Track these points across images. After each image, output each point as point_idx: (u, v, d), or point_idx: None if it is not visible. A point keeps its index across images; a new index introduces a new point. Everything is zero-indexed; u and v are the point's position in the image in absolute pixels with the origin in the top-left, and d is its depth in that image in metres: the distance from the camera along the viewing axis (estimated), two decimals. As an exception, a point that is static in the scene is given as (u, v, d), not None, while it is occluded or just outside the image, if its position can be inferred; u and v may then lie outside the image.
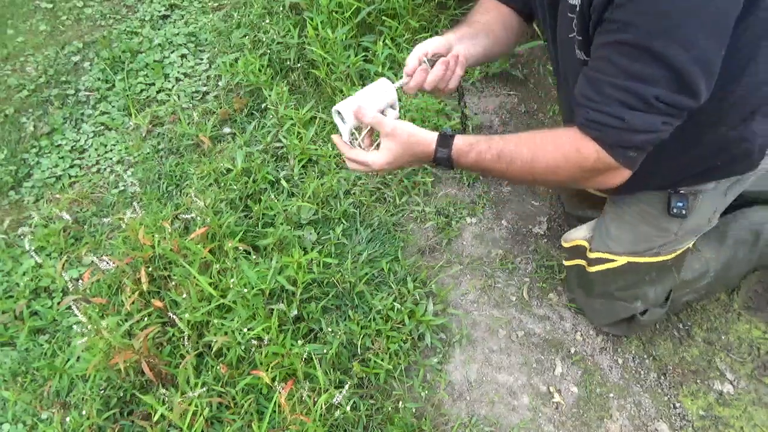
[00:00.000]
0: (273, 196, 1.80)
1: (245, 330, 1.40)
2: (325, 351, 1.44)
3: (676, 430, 1.42)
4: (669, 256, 1.35)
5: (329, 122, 2.02)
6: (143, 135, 2.21)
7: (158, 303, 1.51)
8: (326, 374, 1.40)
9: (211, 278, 1.52)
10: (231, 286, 1.47)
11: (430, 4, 2.17)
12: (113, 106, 2.36)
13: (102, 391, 1.45)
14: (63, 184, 2.11)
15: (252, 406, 1.38)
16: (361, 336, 1.50)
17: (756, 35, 0.98)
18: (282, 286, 1.51)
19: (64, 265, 1.80)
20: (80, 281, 1.64)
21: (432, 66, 1.19)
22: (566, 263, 1.57)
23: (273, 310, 1.47)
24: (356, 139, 1.16)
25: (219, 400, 1.38)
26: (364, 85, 2.07)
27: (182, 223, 1.77)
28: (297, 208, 1.74)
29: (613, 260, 1.38)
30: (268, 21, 2.35)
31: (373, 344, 1.50)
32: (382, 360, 1.46)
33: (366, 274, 1.62)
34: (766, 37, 1.01)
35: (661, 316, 1.47)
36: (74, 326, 1.50)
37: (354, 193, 1.83)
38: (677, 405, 1.46)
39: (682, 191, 1.25)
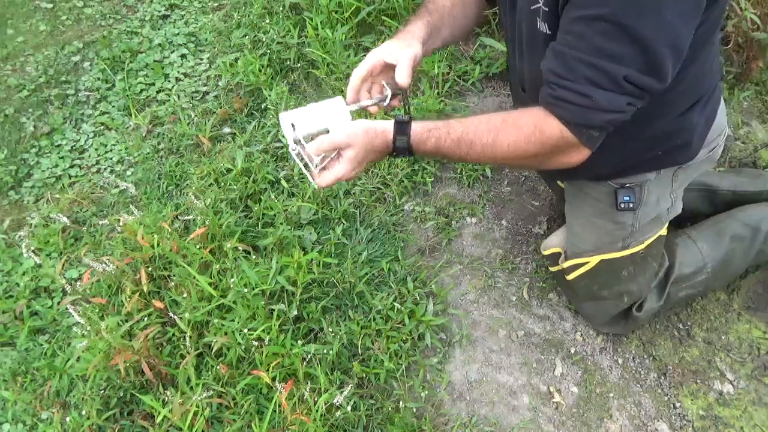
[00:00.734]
0: (273, 196, 1.80)
1: (245, 330, 1.40)
2: (325, 351, 1.44)
3: (676, 430, 1.42)
4: (639, 248, 1.37)
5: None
6: (143, 135, 2.21)
7: (158, 303, 1.51)
8: (326, 374, 1.40)
9: (211, 278, 1.52)
10: (231, 286, 1.47)
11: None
12: (113, 106, 2.36)
13: (102, 391, 1.45)
14: (63, 184, 2.11)
15: (252, 406, 1.38)
16: (362, 336, 1.50)
17: (712, 25, 0.98)
18: (282, 286, 1.51)
19: (63, 265, 1.80)
20: (80, 281, 1.64)
21: (384, 99, 1.15)
22: (551, 269, 1.59)
23: (273, 310, 1.47)
24: (301, 148, 1.10)
25: (219, 401, 1.38)
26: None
27: (182, 223, 1.77)
28: (297, 208, 1.74)
29: (585, 262, 1.40)
30: (268, 21, 2.35)
31: (373, 344, 1.50)
32: (382, 360, 1.46)
33: (366, 274, 1.62)
34: (717, 27, 1.01)
35: (657, 310, 1.48)
36: (74, 327, 1.50)
37: (354, 193, 1.83)
38: (677, 405, 1.46)
39: (627, 185, 1.26)
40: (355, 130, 1.05)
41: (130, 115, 2.28)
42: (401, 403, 1.43)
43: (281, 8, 2.37)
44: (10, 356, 1.65)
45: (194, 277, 1.49)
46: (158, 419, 1.31)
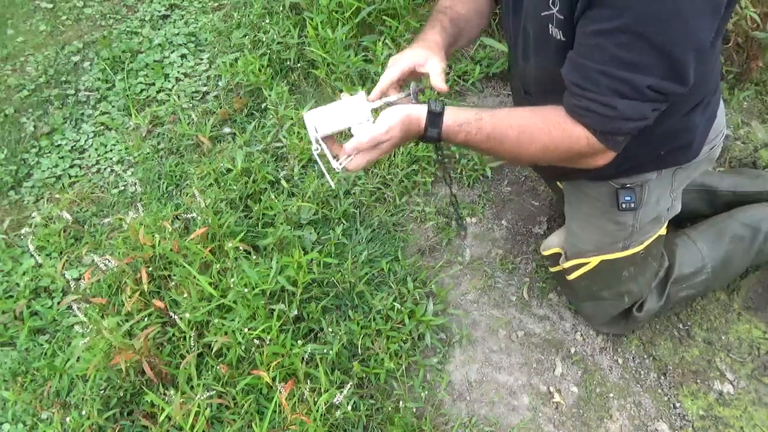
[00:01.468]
0: (273, 196, 1.80)
1: (246, 330, 1.40)
2: (325, 351, 1.44)
3: (676, 430, 1.43)
4: (639, 248, 1.37)
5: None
6: (143, 135, 2.21)
7: (158, 303, 1.51)
8: (326, 374, 1.40)
9: (211, 278, 1.52)
10: (231, 286, 1.47)
11: (430, 4, 2.17)
12: (113, 106, 2.36)
13: (102, 391, 1.45)
14: (63, 184, 2.11)
15: (252, 406, 1.38)
16: (362, 336, 1.50)
17: (719, 28, 0.98)
18: (282, 286, 1.51)
19: (64, 265, 1.80)
20: (80, 281, 1.64)
21: (408, 95, 1.15)
22: (551, 270, 1.59)
23: (273, 310, 1.47)
24: (320, 147, 1.11)
25: (219, 401, 1.38)
26: (364, 84, 2.07)
27: (182, 223, 1.77)
28: (297, 208, 1.74)
29: (586, 263, 1.40)
30: (268, 21, 2.35)
31: (373, 344, 1.50)
32: (382, 360, 1.46)
33: (366, 274, 1.62)
34: (723, 30, 1.01)
35: (657, 310, 1.48)
36: (75, 326, 1.50)
37: (354, 193, 1.83)
38: (677, 405, 1.46)
39: (628, 185, 1.26)
40: (394, 122, 1.05)
41: (130, 115, 2.28)
42: (401, 403, 1.43)
43: (281, 8, 2.37)
44: (10, 356, 1.65)
45: (194, 277, 1.49)
46: (160, 418, 1.31)
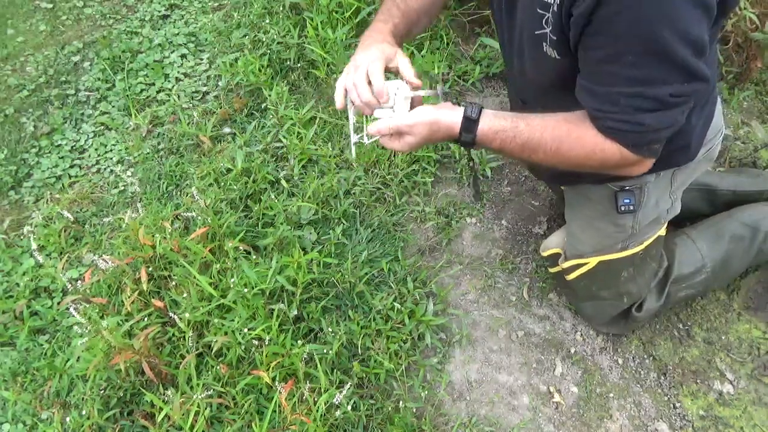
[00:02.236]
0: (273, 196, 1.80)
1: (245, 330, 1.40)
2: (325, 351, 1.44)
3: (676, 430, 1.43)
4: (638, 249, 1.37)
5: (329, 122, 2.02)
6: (143, 135, 2.21)
7: (158, 303, 1.51)
8: (326, 374, 1.40)
9: (211, 278, 1.52)
10: (231, 286, 1.47)
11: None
12: (113, 106, 2.36)
13: (102, 391, 1.45)
14: (63, 184, 2.11)
15: (252, 406, 1.38)
16: (361, 336, 1.50)
17: (715, 31, 0.98)
18: (282, 286, 1.51)
19: (64, 265, 1.80)
20: (80, 281, 1.64)
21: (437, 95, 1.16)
22: (551, 270, 1.59)
23: (273, 310, 1.47)
24: (360, 126, 1.15)
25: (219, 401, 1.38)
26: None
27: (182, 222, 1.77)
28: (297, 208, 1.74)
29: (585, 263, 1.40)
30: (268, 21, 2.35)
31: (373, 344, 1.50)
32: (382, 360, 1.46)
33: (366, 274, 1.62)
34: (718, 32, 1.02)
35: (657, 310, 1.48)
36: (74, 326, 1.50)
37: (354, 193, 1.83)
38: (677, 405, 1.46)
39: (627, 187, 1.27)
40: (419, 121, 1.07)
41: (130, 115, 2.28)
42: (401, 403, 1.43)
43: (281, 8, 2.37)
44: (10, 356, 1.65)
45: (194, 277, 1.49)
46: (159, 418, 1.31)
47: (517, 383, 1.51)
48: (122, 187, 2.06)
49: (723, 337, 1.55)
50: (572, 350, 1.56)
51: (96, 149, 2.22)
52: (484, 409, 1.47)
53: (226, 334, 1.44)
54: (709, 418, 1.43)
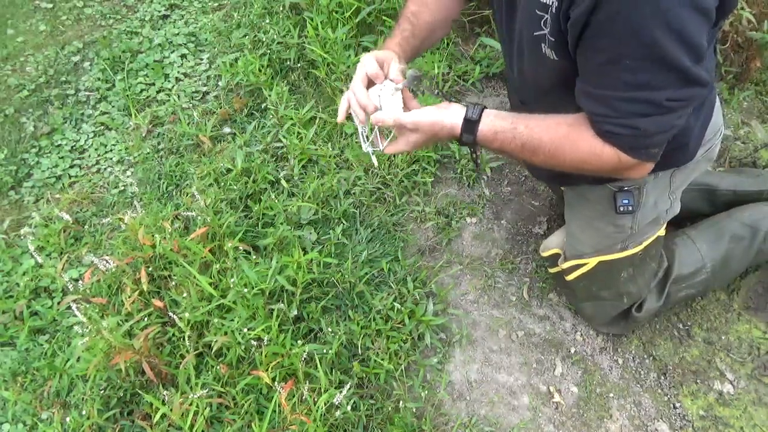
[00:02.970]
0: (273, 196, 1.81)
1: (245, 330, 1.40)
2: (325, 351, 1.44)
3: (676, 430, 1.43)
4: (637, 249, 1.37)
5: (329, 122, 2.02)
6: (143, 135, 2.21)
7: (158, 303, 1.51)
8: (326, 374, 1.40)
9: (211, 278, 1.52)
10: (231, 286, 1.47)
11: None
12: (113, 106, 2.36)
13: (102, 391, 1.45)
14: (63, 184, 2.11)
15: (252, 406, 1.38)
16: (361, 336, 1.50)
17: (712, 33, 0.98)
18: (282, 286, 1.51)
19: (64, 265, 1.80)
20: (80, 281, 1.64)
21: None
22: (550, 271, 1.59)
23: (273, 310, 1.47)
24: (370, 135, 1.18)
25: (219, 400, 1.38)
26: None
27: (182, 222, 1.77)
28: (297, 208, 1.74)
29: (584, 263, 1.41)
30: (268, 21, 2.35)
31: (373, 344, 1.50)
32: (382, 360, 1.46)
33: (366, 274, 1.62)
34: (716, 34, 1.02)
35: (657, 310, 1.48)
36: (74, 326, 1.50)
37: (354, 193, 1.83)
38: (677, 405, 1.46)
39: (626, 188, 1.27)
40: (423, 122, 1.09)
41: (130, 115, 2.28)
42: (401, 403, 1.43)
43: (281, 8, 2.37)
44: (10, 356, 1.65)
45: (194, 277, 1.49)
46: (155, 418, 1.31)
47: (517, 383, 1.51)
48: (122, 187, 2.06)
49: (723, 337, 1.55)
50: (572, 350, 1.56)
51: (96, 149, 2.22)
52: (484, 409, 1.47)
53: (226, 334, 1.44)
54: (709, 418, 1.43)
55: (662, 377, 1.51)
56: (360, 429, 1.40)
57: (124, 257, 1.62)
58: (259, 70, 2.15)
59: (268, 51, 2.25)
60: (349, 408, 1.35)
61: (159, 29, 2.63)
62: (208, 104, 2.26)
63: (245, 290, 1.45)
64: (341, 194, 1.81)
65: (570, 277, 1.46)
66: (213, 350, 1.43)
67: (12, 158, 2.22)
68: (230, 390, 1.39)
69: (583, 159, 1.03)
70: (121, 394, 1.44)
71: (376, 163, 1.25)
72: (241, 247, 1.62)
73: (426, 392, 1.47)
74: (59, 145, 2.25)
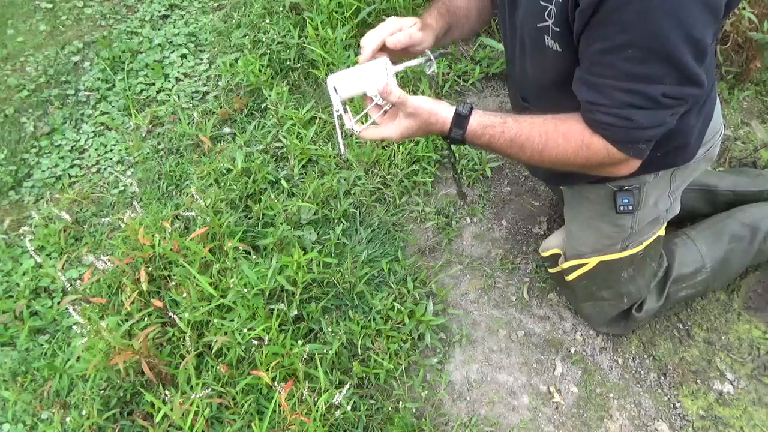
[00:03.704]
0: (273, 196, 1.80)
1: (245, 330, 1.40)
2: (325, 351, 1.44)
3: (676, 430, 1.42)
4: (638, 249, 1.37)
5: (329, 122, 2.02)
6: (143, 135, 2.21)
7: (158, 303, 1.51)
8: (326, 374, 1.40)
9: (211, 278, 1.52)
10: (231, 286, 1.47)
11: (429, 3, 2.17)
12: (113, 106, 2.36)
13: (102, 391, 1.45)
14: (63, 184, 2.11)
15: (252, 406, 1.38)
16: (361, 336, 1.50)
17: (715, 32, 0.98)
18: (282, 286, 1.51)
19: (64, 265, 1.80)
20: (80, 281, 1.64)
21: (427, 61, 1.15)
22: (550, 271, 1.59)
23: (273, 310, 1.47)
24: (346, 111, 1.11)
25: (219, 401, 1.38)
26: None
27: (182, 222, 1.77)
28: (297, 208, 1.74)
29: (585, 263, 1.40)
30: (268, 21, 2.35)
31: (373, 344, 1.50)
32: (382, 360, 1.46)
33: (366, 274, 1.62)
34: (718, 34, 1.02)
35: (657, 310, 1.48)
36: (74, 326, 1.50)
37: (354, 193, 1.83)
38: (677, 405, 1.46)
39: (626, 188, 1.27)
40: (422, 108, 1.06)
41: (130, 115, 2.28)
42: (401, 403, 1.43)
43: (281, 8, 2.37)
44: (10, 356, 1.65)
45: (194, 277, 1.49)
46: (157, 418, 1.31)
47: (517, 383, 1.50)
48: (122, 187, 2.06)
49: (723, 337, 1.55)
50: (572, 350, 1.56)
51: (96, 149, 2.22)
52: (484, 409, 1.47)
53: (226, 334, 1.44)
54: (709, 418, 1.43)
55: (662, 377, 1.51)
56: (360, 429, 1.40)
57: (123, 257, 1.62)
58: (259, 70, 2.15)
59: (268, 51, 2.25)
60: (349, 408, 1.35)
61: (159, 29, 2.63)
62: (208, 104, 2.26)
63: (245, 290, 1.45)
64: (341, 194, 1.81)
65: (570, 277, 1.46)
66: (213, 350, 1.43)
67: (12, 158, 2.22)
68: (230, 390, 1.39)
69: (573, 151, 1.02)
70: (121, 394, 1.44)
71: (343, 151, 1.18)
72: (240, 247, 1.62)
73: (426, 392, 1.47)
74: (59, 145, 2.25)
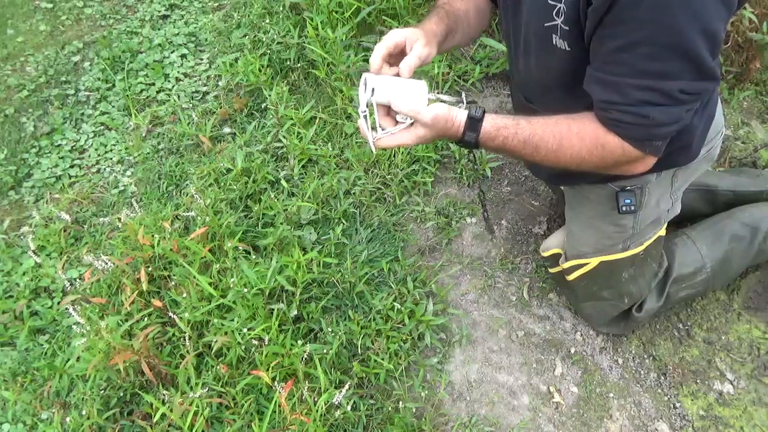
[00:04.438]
0: (273, 196, 1.80)
1: (245, 330, 1.40)
2: (325, 351, 1.44)
3: (676, 430, 1.42)
4: (639, 249, 1.37)
5: (329, 122, 2.02)
6: (143, 135, 2.21)
7: (158, 303, 1.51)
8: (326, 374, 1.40)
9: (211, 278, 1.52)
10: (231, 286, 1.47)
11: (430, 4, 2.17)
12: (113, 106, 2.36)
13: (102, 391, 1.45)
14: (63, 184, 2.11)
15: (252, 406, 1.38)
16: (361, 336, 1.50)
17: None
18: (282, 286, 1.51)
19: (64, 265, 1.80)
20: (80, 281, 1.64)
21: (461, 102, 1.13)
22: (551, 271, 1.59)
23: (273, 310, 1.47)
24: (372, 113, 1.10)
25: (219, 400, 1.38)
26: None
27: (182, 222, 1.77)
28: (297, 208, 1.74)
29: (586, 263, 1.40)
30: (268, 21, 2.35)
31: (373, 344, 1.50)
32: (382, 360, 1.46)
33: (366, 274, 1.61)
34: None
35: (657, 310, 1.48)
36: (74, 326, 1.50)
37: (354, 193, 1.83)
38: (677, 405, 1.46)
39: (628, 188, 1.27)
40: (439, 116, 1.05)
41: (130, 115, 2.28)
42: (401, 403, 1.43)
43: (281, 8, 2.37)
44: (10, 356, 1.65)
45: (194, 277, 1.49)
46: (155, 418, 1.31)
47: (517, 383, 1.50)
48: (122, 187, 2.07)
49: (723, 337, 1.55)
50: (572, 350, 1.56)
51: (96, 149, 2.22)
52: (484, 409, 1.47)
53: (226, 334, 1.44)
54: (709, 418, 1.43)
55: (662, 377, 1.51)
56: (360, 429, 1.40)
57: (123, 257, 1.62)
58: (259, 70, 2.15)
59: (268, 51, 2.25)
60: (348, 408, 1.35)
61: (159, 29, 2.63)
62: (208, 104, 2.26)
63: (245, 290, 1.45)
64: (341, 194, 1.81)
65: (571, 277, 1.46)
66: (213, 350, 1.43)
67: (12, 158, 2.22)
68: (230, 390, 1.39)
69: (588, 150, 1.02)
70: (121, 394, 1.44)
71: (374, 151, 1.19)
72: (240, 247, 1.62)
73: (426, 392, 1.47)
74: (59, 145, 2.25)
